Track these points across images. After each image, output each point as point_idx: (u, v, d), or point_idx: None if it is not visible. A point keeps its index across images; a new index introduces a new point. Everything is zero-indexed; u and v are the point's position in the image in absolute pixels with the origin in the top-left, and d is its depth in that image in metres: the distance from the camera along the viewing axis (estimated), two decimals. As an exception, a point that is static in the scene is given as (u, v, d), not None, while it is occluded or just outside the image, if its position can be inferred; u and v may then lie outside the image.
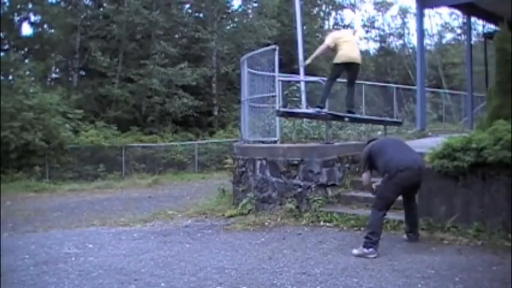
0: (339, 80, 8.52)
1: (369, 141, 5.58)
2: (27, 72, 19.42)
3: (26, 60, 21.51)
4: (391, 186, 5.04)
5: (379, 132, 9.43)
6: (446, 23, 35.66)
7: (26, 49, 23.31)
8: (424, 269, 4.40)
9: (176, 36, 25.27)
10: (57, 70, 25.44)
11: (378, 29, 38.21)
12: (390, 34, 37.79)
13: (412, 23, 35.21)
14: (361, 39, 40.20)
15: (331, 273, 4.41)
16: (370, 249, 4.88)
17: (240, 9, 28.05)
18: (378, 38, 38.35)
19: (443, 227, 5.50)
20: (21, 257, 5.43)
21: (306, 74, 10.70)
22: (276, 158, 7.29)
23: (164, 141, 20.53)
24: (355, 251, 4.96)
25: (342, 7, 36.05)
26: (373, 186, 5.40)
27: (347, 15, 50.07)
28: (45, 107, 16.59)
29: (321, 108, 7.73)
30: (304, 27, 22.99)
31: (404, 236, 5.45)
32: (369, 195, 6.67)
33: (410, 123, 12.75)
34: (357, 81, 8.91)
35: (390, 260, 4.71)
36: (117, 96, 21.80)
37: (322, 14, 34.94)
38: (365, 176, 5.39)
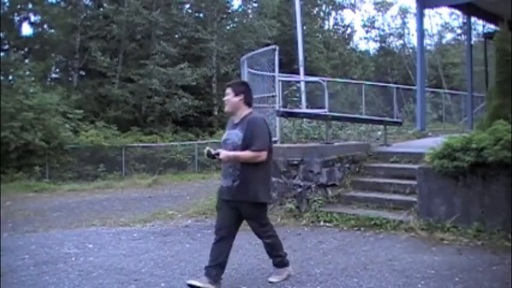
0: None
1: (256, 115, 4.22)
2: (27, 72, 19.41)
3: (26, 60, 21.51)
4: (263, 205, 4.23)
5: (379, 132, 9.44)
6: (446, 23, 35.78)
7: (26, 49, 23.31)
8: (424, 269, 4.40)
9: (176, 36, 25.28)
10: (57, 70, 25.46)
11: (378, 29, 38.30)
12: (390, 34, 37.87)
13: (412, 23, 35.34)
14: (361, 39, 40.35)
15: (331, 273, 4.41)
16: (287, 267, 4.32)
17: (240, 9, 28.09)
18: (378, 38, 38.45)
19: (443, 227, 5.49)
20: (21, 257, 5.42)
21: (306, 74, 10.70)
22: (276, 158, 7.27)
23: (164, 141, 20.53)
24: (273, 279, 4.24)
25: (342, 7, 36.12)
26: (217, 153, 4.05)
27: (347, 15, 50.34)
28: (45, 107, 16.59)
29: None
30: (304, 27, 23.00)
31: (272, 279, 4.25)
32: (369, 195, 6.70)
33: (410, 123, 12.78)
34: (357, 81, 8.92)
35: (390, 260, 4.71)
36: (117, 96, 21.81)
37: (322, 14, 34.98)
38: (265, 154, 3.99)
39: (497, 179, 5.23)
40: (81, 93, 21.70)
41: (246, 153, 3.92)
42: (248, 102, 4.11)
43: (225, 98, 4.13)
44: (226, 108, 4.16)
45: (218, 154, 4.00)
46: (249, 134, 3.93)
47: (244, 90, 4.12)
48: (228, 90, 4.11)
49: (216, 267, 4.01)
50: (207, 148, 4.11)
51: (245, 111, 4.08)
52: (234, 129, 4.05)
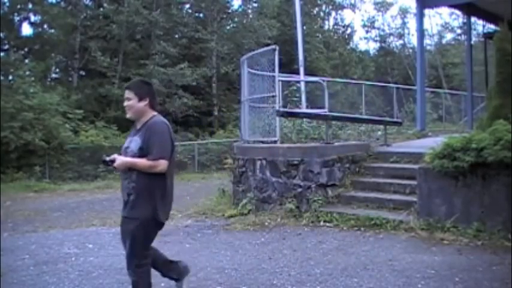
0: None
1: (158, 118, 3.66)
2: (27, 72, 19.40)
3: (26, 60, 21.49)
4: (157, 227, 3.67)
5: (379, 132, 9.44)
6: (446, 23, 35.77)
7: (26, 49, 23.31)
8: (424, 269, 4.40)
9: (176, 36, 25.29)
10: (57, 70, 25.45)
11: (378, 29, 38.30)
12: (390, 34, 37.87)
13: (412, 23, 35.34)
14: (361, 39, 40.35)
15: (331, 273, 4.41)
16: None
17: (240, 9, 28.09)
18: (378, 38, 38.44)
19: (443, 227, 5.50)
20: (21, 257, 5.43)
21: (306, 74, 10.71)
22: (276, 158, 7.29)
23: (164, 141, 20.49)
24: None
25: (342, 7, 36.12)
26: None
27: (347, 15, 50.34)
28: (45, 107, 16.59)
29: None
30: (304, 27, 22.99)
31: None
32: (369, 195, 6.70)
33: (410, 123, 12.77)
34: (357, 81, 8.92)
35: (390, 260, 4.71)
36: (117, 96, 21.76)
37: (322, 14, 34.98)
38: (165, 163, 3.41)
39: (497, 179, 5.24)
40: (81, 93, 21.69)
41: (143, 162, 3.36)
42: (154, 106, 3.58)
43: (127, 104, 3.49)
44: (129, 115, 3.55)
45: (113, 161, 3.48)
46: (146, 141, 3.39)
47: (149, 92, 3.55)
48: (130, 94, 3.47)
49: (168, 270, 3.91)
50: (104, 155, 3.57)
51: (149, 115, 3.54)
52: (135, 136, 3.50)
